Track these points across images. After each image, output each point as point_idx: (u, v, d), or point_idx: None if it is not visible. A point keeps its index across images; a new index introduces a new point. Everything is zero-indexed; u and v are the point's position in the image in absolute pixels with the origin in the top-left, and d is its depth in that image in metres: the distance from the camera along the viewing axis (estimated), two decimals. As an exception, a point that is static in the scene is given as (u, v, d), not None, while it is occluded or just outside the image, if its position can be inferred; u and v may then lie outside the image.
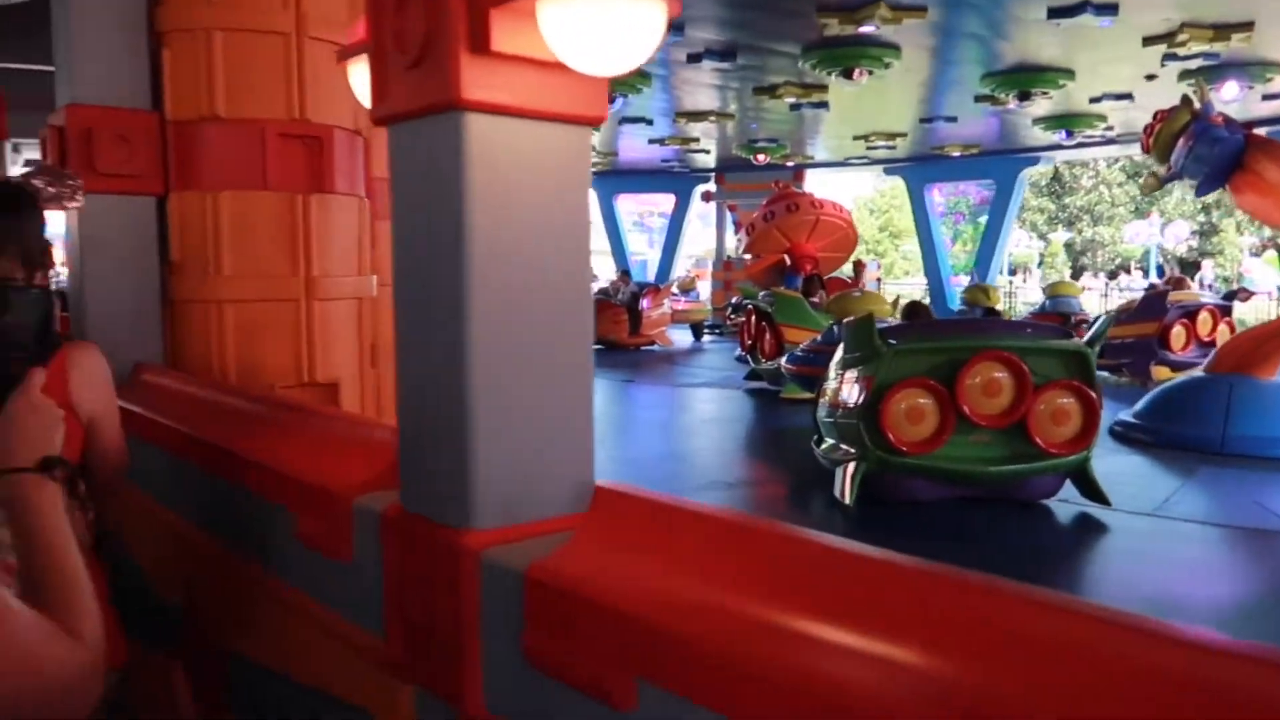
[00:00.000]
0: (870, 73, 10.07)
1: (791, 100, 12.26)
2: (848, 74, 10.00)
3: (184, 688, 2.38)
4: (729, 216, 20.90)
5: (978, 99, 12.26)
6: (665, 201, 24.41)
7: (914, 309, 7.60)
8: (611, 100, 11.77)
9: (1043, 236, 36.53)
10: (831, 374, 6.25)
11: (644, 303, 15.37)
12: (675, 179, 21.24)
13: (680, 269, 22.77)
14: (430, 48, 1.37)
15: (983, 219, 21.75)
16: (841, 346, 6.26)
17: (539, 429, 1.47)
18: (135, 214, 3.20)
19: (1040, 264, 35.88)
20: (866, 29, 8.85)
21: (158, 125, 3.17)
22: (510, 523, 1.43)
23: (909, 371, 5.56)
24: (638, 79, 11.14)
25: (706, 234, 26.51)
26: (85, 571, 1.04)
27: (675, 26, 9.16)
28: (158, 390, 2.86)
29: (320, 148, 3.25)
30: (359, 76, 1.68)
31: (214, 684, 2.29)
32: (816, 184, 19.43)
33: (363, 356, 3.51)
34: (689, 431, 9.24)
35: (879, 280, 21.35)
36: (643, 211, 27.57)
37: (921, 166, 18.38)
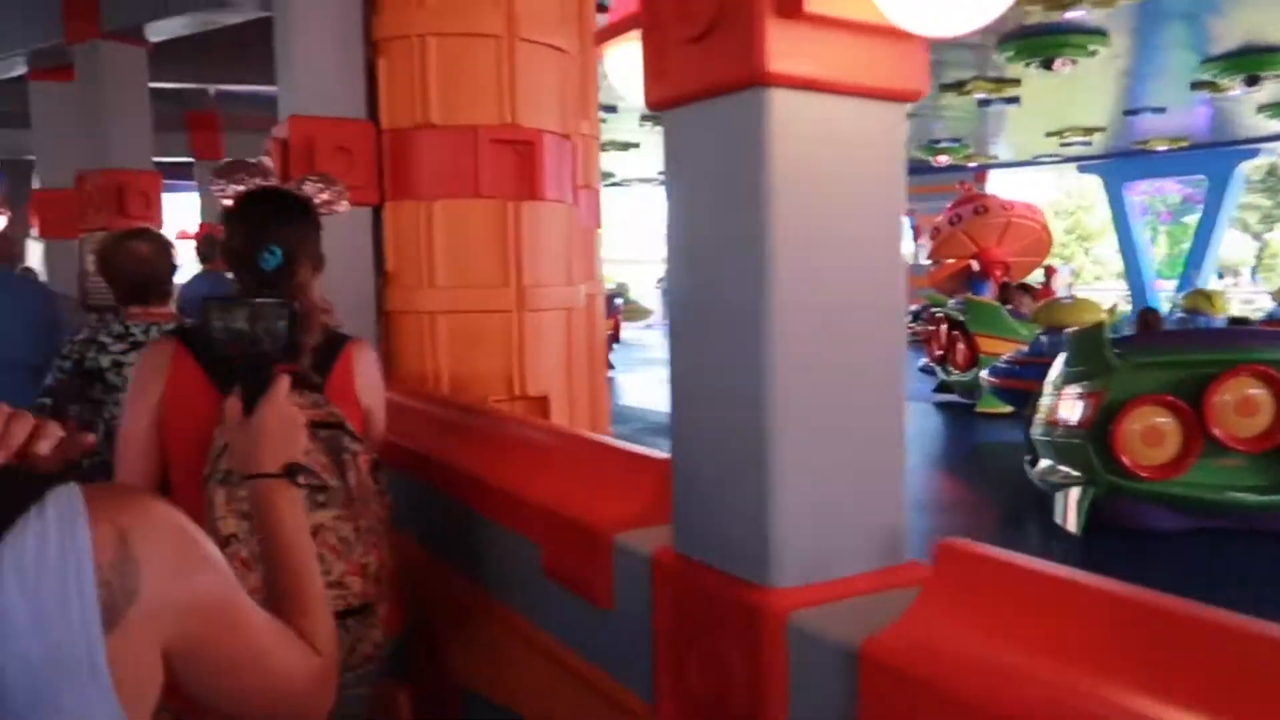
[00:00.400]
0: (1074, 62, 9.31)
1: (981, 96, 11.55)
2: (1048, 64, 9.27)
3: (408, 715, 2.28)
4: (906, 221, 20.04)
5: (1194, 85, 11.16)
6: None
7: (1147, 318, 6.90)
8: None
9: (1257, 236, 33.32)
10: (1048, 389, 5.72)
11: (819, 311, 14.89)
12: (847, 183, 20.57)
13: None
14: (726, 14, 1.16)
15: (1188, 218, 20.00)
16: (1062, 359, 5.73)
17: (849, 463, 1.22)
18: (352, 224, 3.17)
19: (1256, 267, 32.73)
20: (1074, 14, 8.16)
21: (374, 134, 3.14)
22: (816, 578, 1.19)
23: (1145, 387, 5.00)
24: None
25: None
26: (322, 581, 1.04)
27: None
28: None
29: (531, 153, 3.14)
30: (619, 60, 1.49)
31: (446, 717, 2.16)
32: (998, 185, 18.37)
33: (570, 369, 3.38)
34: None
35: (1070, 286, 20.00)
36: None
37: (1121, 163, 17.02)
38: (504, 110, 3.09)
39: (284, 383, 1.19)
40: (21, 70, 5.66)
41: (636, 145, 14.30)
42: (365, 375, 1.79)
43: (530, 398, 3.20)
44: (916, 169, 18.36)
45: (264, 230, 1.61)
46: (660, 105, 1.31)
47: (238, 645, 0.83)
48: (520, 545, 1.79)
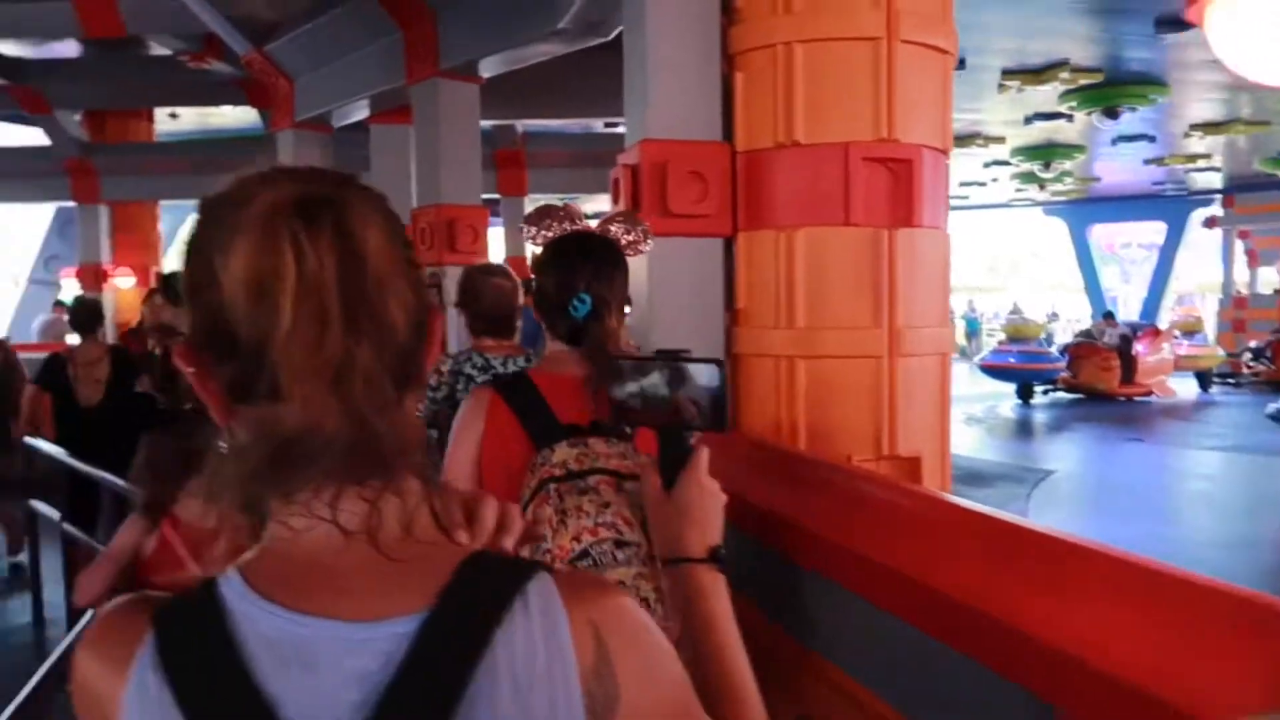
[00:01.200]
0: None
1: (1361, 95, 9.73)
2: None
3: None
4: (1239, 245, 17.68)
5: None
6: (1141, 231, 21.47)
7: None
8: (1115, 115, 10.23)
9: None
10: None
11: (1139, 347, 13.28)
12: (1166, 204, 18.43)
13: (1165, 307, 19.70)
14: None
15: None
16: None
17: None
18: (701, 257, 2.88)
19: None
20: None
21: (729, 157, 2.83)
22: None
23: None
24: (1154, 89, 9.55)
25: (1195, 266, 23.01)
26: (755, 682, 0.91)
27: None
28: (732, 461, 2.46)
29: (908, 173, 2.69)
30: (1230, 22, 1.01)
31: None
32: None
33: (943, 425, 2.88)
34: (1242, 509, 7.50)
35: None
36: (1115, 241, 24.30)
37: None
38: (880, 124, 2.67)
39: (705, 456, 1.06)
40: (363, 115, 6.00)
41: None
42: None
43: (900, 458, 2.74)
44: (1253, 185, 16.10)
45: (574, 277, 1.64)
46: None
47: None
48: (999, 688, 1.32)
